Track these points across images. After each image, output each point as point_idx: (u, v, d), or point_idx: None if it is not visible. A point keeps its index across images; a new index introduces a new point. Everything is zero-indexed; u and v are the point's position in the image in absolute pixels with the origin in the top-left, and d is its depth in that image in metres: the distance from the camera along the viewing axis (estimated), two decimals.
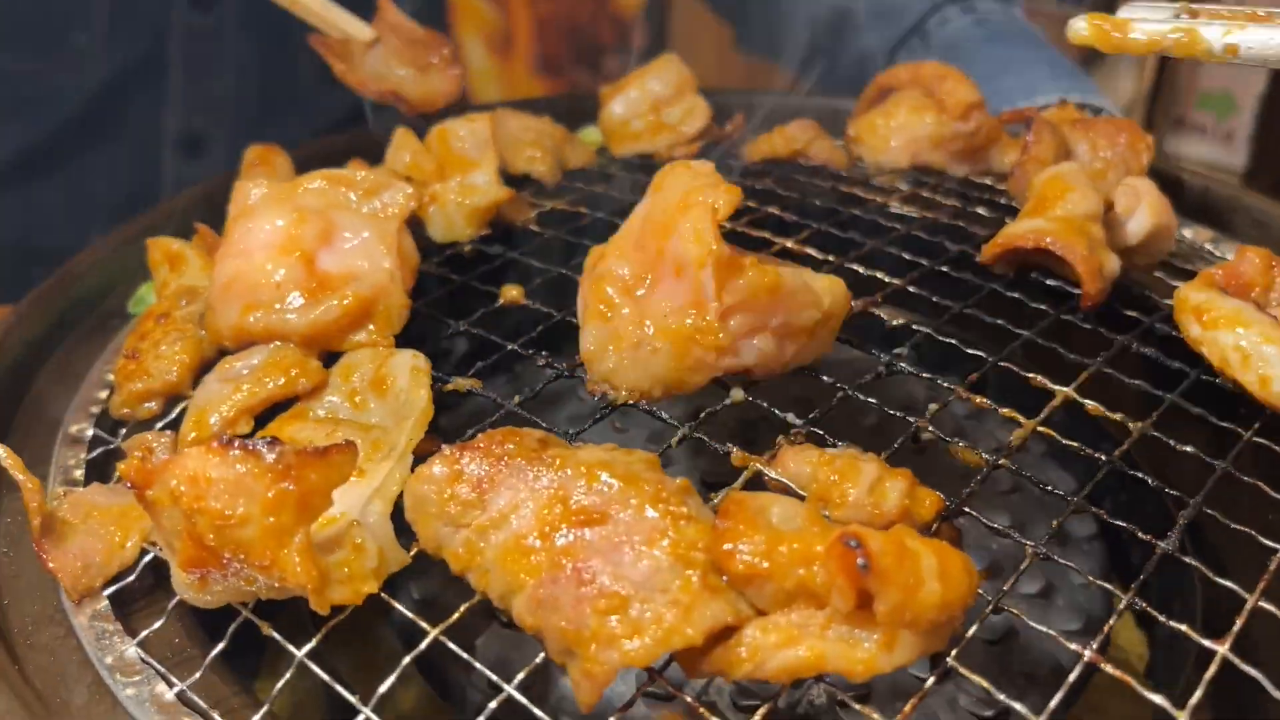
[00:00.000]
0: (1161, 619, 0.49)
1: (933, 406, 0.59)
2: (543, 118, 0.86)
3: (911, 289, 0.70)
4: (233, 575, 0.47)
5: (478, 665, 0.47)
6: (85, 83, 1.12)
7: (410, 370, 0.57)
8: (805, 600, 0.44)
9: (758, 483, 0.55)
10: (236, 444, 0.46)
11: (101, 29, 1.10)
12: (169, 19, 1.12)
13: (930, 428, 0.58)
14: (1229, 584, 0.51)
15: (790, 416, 0.58)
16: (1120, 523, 0.54)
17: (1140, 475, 0.57)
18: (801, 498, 0.53)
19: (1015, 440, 0.58)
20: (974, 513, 0.53)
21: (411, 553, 0.51)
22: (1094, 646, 0.47)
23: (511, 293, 0.68)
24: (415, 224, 0.74)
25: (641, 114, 0.87)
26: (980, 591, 0.48)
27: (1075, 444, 0.57)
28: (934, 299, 0.69)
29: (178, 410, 0.62)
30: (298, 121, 1.23)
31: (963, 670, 0.46)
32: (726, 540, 0.44)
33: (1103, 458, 0.56)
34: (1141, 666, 0.76)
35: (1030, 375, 0.62)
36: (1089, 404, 0.60)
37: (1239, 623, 0.49)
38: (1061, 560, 0.52)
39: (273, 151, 0.77)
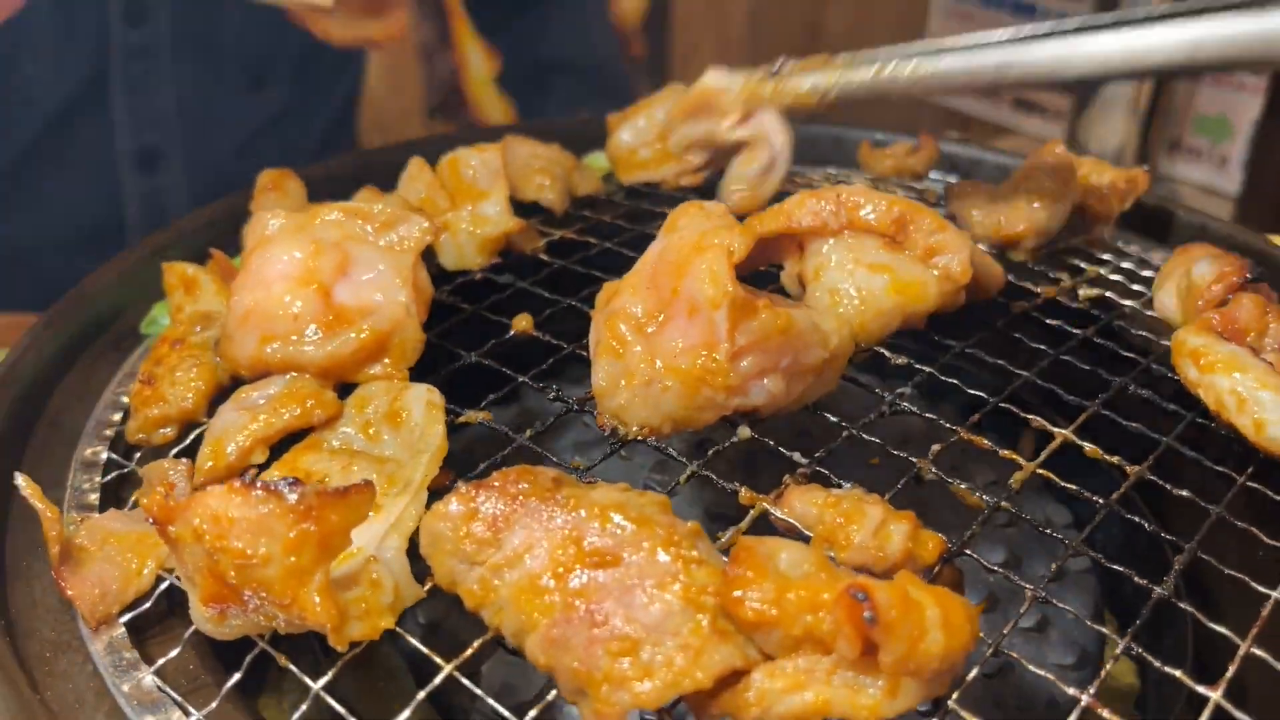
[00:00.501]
0: (1156, 664, 0.51)
1: (935, 448, 0.60)
2: (551, 145, 0.87)
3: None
4: (252, 611, 0.48)
5: (490, 700, 0.48)
6: (40, 109, 1.16)
7: (425, 405, 0.58)
8: (812, 646, 0.45)
9: (764, 521, 0.56)
10: (260, 484, 0.47)
11: (48, 55, 1.13)
12: (108, 38, 1.16)
13: (933, 469, 0.59)
14: (1222, 629, 0.52)
15: (796, 455, 0.60)
16: (1118, 567, 0.55)
17: (1136, 519, 0.58)
18: (807, 538, 0.54)
19: (1015, 483, 0.59)
20: (974, 555, 0.55)
21: (426, 587, 0.52)
22: (1091, 691, 0.48)
23: (522, 324, 0.69)
24: (427, 251, 0.75)
25: (649, 142, 0.88)
26: (980, 635, 0.50)
27: (1073, 486, 0.59)
28: (935, 337, 0.70)
29: (193, 436, 0.63)
30: (233, 124, 1.30)
31: (962, 713, 0.47)
32: (736, 587, 0.45)
33: (1100, 501, 0.58)
34: (1132, 696, 0.78)
35: (1030, 417, 0.63)
36: (1087, 447, 0.61)
37: (1231, 669, 0.50)
38: (1059, 604, 0.53)
39: (285, 176, 0.77)
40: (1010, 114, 1.96)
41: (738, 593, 0.45)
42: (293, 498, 0.47)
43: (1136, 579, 0.54)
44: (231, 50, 1.25)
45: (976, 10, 1.98)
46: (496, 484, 0.51)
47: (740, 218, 0.63)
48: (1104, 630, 0.52)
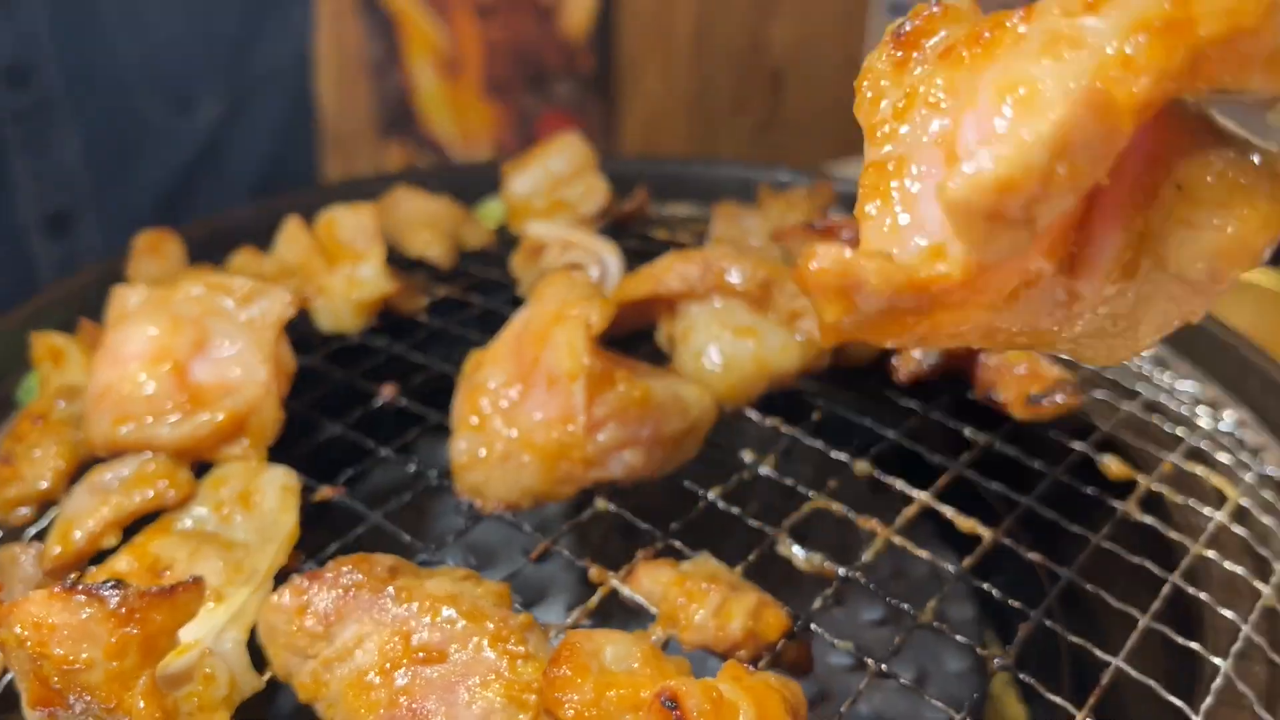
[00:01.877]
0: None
1: (790, 519, 0.60)
2: (440, 197, 0.87)
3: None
4: (80, 714, 0.47)
5: None
6: None
7: (280, 490, 0.58)
8: None
9: (615, 597, 0.56)
10: (81, 588, 0.46)
11: None
12: None
13: (788, 539, 0.60)
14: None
15: (649, 528, 0.60)
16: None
17: (985, 586, 0.59)
18: (653, 615, 0.55)
19: (869, 555, 0.59)
20: (819, 629, 0.55)
21: (265, 677, 0.52)
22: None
23: (389, 392, 0.69)
24: (302, 314, 0.74)
25: (542, 192, 0.88)
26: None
27: (926, 554, 0.59)
28: (805, 395, 0.71)
29: (52, 515, 0.63)
30: (155, 164, 1.20)
31: None
32: (556, 689, 0.45)
33: (951, 569, 0.59)
34: None
35: (889, 481, 0.64)
36: (946, 510, 0.62)
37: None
38: (901, 679, 0.53)
39: (163, 238, 0.77)
40: None
41: (558, 695, 0.45)
42: (114, 601, 0.46)
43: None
44: (144, 76, 1.15)
45: None
46: (329, 575, 0.51)
47: None
48: (941, 707, 0.53)
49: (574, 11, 2.59)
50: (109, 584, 0.47)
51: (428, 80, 2.82)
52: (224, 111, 1.23)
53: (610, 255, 0.74)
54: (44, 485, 0.62)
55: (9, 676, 0.55)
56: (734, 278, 0.67)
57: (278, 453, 0.63)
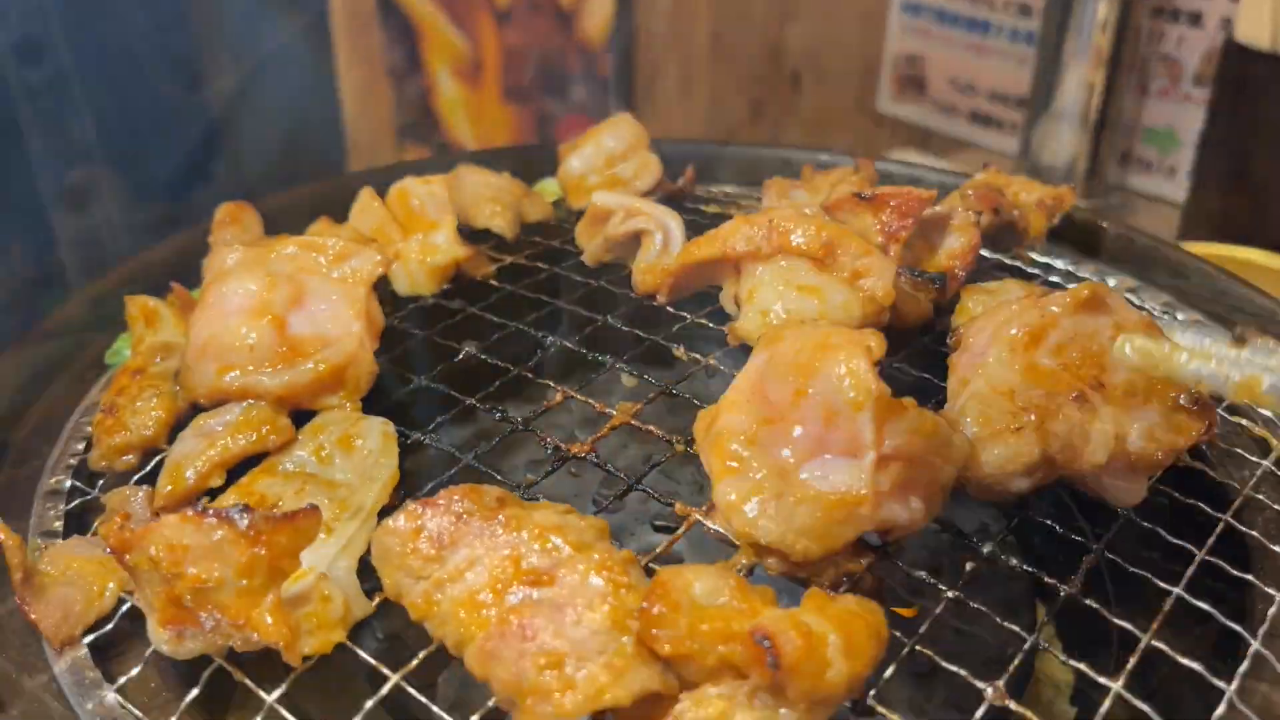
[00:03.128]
0: (1060, 658, 0.54)
1: None
2: (502, 173, 0.90)
3: None
4: (209, 632, 0.50)
5: (435, 709, 0.51)
6: None
7: (381, 436, 0.61)
8: (729, 672, 0.48)
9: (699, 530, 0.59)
10: (212, 511, 0.49)
11: None
12: (4, 81, 1.08)
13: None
14: (1124, 624, 0.56)
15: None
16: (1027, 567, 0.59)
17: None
18: (736, 547, 0.57)
19: None
20: (897, 561, 0.58)
21: (376, 601, 0.55)
22: (1000, 684, 0.52)
23: (470, 348, 0.73)
24: (381, 278, 0.78)
25: (597, 169, 0.92)
26: (899, 635, 0.53)
27: None
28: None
29: (154, 463, 0.66)
30: (168, 140, 1.22)
31: (879, 709, 0.50)
32: (652, 625, 0.47)
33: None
34: (1068, 691, 0.81)
35: None
36: None
37: (1132, 660, 0.54)
38: (973, 603, 0.56)
39: (242, 209, 0.80)
40: (967, 128, 2.01)
41: (655, 631, 0.47)
42: (243, 523, 0.50)
43: (1046, 578, 0.58)
44: (153, 51, 1.18)
45: (934, 28, 2.03)
46: (442, 503, 0.53)
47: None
48: (1014, 627, 0.56)
49: (592, 16, 2.63)
50: (238, 508, 0.50)
51: (448, 85, 2.86)
52: (234, 88, 1.26)
53: (673, 221, 0.77)
54: (148, 433, 0.65)
55: (127, 604, 0.58)
56: (798, 238, 0.70)
57: (366, 403, 0.66)
